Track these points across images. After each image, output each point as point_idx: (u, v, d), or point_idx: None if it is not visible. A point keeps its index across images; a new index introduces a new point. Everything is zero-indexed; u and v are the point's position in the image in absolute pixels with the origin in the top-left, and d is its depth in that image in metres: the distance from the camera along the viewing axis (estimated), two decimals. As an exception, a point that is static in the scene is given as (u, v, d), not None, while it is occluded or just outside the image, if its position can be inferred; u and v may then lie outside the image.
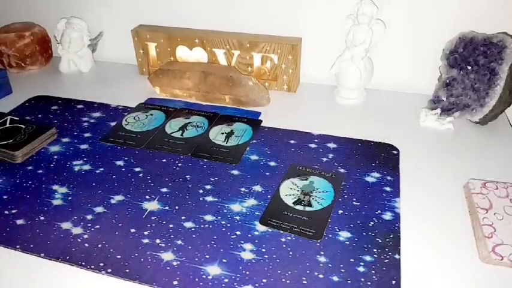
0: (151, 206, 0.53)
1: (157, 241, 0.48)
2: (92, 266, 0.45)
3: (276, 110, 0.73)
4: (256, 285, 0.43)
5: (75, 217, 0.51)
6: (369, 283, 0.43)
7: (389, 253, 0.46)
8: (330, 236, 0.48)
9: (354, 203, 0.53)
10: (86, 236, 0.49)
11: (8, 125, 0.66)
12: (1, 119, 0.68)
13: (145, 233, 0.49)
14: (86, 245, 0.47)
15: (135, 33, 0.82)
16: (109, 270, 0.44)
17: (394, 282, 0.43)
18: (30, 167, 0.60)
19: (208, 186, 0.56)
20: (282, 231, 0.49)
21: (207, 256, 0.46)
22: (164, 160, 0.61)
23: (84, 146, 0.64)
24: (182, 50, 0.81)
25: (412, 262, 0.45)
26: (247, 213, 0.51)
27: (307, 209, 0.51)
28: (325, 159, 0.61)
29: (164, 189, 0.55)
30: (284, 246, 0.47)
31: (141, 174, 0.58)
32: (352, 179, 0.57)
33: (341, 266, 0.45)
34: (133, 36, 0.83)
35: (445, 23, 0.71)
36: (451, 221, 0.50)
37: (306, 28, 0.77)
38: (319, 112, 0.73)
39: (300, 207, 0.52)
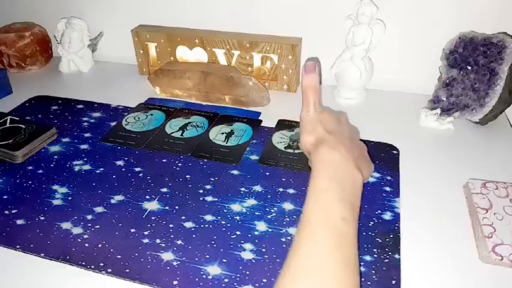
0: (151, 206, 0.53)
1: (158, 241, 0.48)
2: (92, 266, 0.45)
3: (276, 110, 0.73)
4: (256, 285, 0.43)
5: (75, 217, 0.51)
6: (369, 283, 0.43)
7: (389, 253, 0.46)
8: (330, 236, 0.48)
9: (354, 203, 0.53)
10: (86, 236, 0.49)
11: (8, 125, 0.66)
12: (1, 119, 0.68)
13: (146, 233, 0.49)
14: (86, 245, 0.47)
15: (135, 33, 0.82)
16: (109, 270, 0.44)
17: (394, 282, 0.43)
18: (30, 167, 0.60)
19: (208, 186, 0.56)
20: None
21: (207, 256, 0.46)
22: (164, 160, 0.61)
23: (84, 146, 0.64)
24: (182, 50, 0.81)
25: (412, 262, 0.45)
26: (247, 213, 0.51)
27: (297, 151, 0.62)
28: (325, 159, 0.61)
29: (164, 189, 0.55)
30: (284, 246, 0.47)
31: (141, 174, 0.58)
32: (352, 179, 0.57)
33: (341, 266, 0.45)
34: (133, 36, 0.83)
35: (445, 23, 0.71)
36: (451, 221, 0.50)
37: (306, 28, 0.77)
38: (319, 112, 0.73)
39: (290, 151, 0.62)
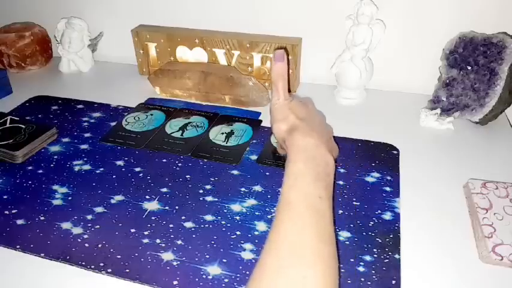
0: (151, 206, 0.53)
1: (158, 241, 0.48)
2: (92, 266, 0.45)
3: (276, 110, 0.73)
4: (256, 285, 0.43)
5: (75, 217, 0.51)
6: (369, 283, 0.43)
7: (389, 253, 0.46)
8: (330, 236, 0.48)
9: (354, 203, 0.53)
10: (86, 236, 0.49)
11: (8, 125, 0.66)
12: (1, 119, 0.68)
13: (146, 233, 0.49)
14: (86, 245, 0.47)
15: (135, 33, 0.82)
16: (109, 270, 0.44)
17: (394, 282, 0.43)
18: (30, 167, 0.60)
19: (208, 186, 0.56)
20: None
21: (207, 256, 0.46)
22: (164, 160, 0.61)
23: (84, 146, 0.64)
24: (182, 50, 0.81)
25: (412, 262, 0.45)
26: (247, 213, 0.51)
27: None
28: (325, 159, 0.61)
29: (164, 189, 0.55)
30: (284, 246, 0.47)
31: (141, 174, 0.58)
32: (352, 179, 0.57)
33: (341, 266, 0.44)
34: (133, 36, 0.83)
35: (445, 23, 0.71)
36: (451, 221, 0.50)
37: (306, 28, 0.77)
38: (319, 112, 0.73)
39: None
